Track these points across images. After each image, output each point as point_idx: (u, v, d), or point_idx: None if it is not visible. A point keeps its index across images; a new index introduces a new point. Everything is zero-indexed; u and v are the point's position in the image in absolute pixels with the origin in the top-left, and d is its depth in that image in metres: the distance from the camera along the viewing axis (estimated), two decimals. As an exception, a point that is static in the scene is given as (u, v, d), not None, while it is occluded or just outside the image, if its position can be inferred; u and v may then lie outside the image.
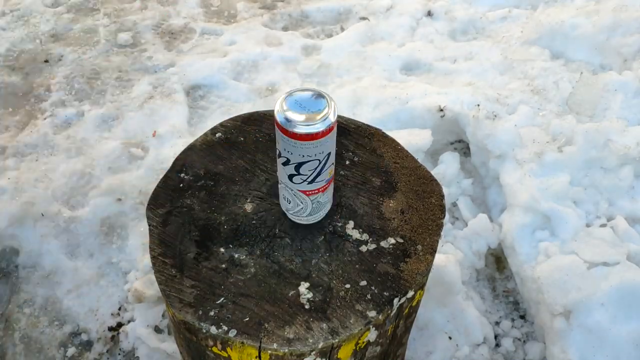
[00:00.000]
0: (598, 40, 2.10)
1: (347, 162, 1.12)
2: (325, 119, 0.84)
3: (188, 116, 2.02)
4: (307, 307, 0.89)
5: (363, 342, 0.93)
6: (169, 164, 1.11)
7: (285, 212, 0.99)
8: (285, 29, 2.48)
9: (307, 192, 0.92)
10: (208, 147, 1.14)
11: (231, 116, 1.21)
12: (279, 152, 0.89)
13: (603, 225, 1.59)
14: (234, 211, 1.02)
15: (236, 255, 0.96)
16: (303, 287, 0.92)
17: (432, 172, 1.27)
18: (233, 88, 2.12)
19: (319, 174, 0.90)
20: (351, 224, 1.01)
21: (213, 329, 0.86)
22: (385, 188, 1.07)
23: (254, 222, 1.01)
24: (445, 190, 1.51)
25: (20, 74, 2.23)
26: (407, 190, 1.07)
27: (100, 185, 1.77)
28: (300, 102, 0.86)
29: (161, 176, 1.08)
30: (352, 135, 1.17)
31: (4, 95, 2.14)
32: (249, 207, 1.03)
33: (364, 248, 0.98)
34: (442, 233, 1.03)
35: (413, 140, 1.80)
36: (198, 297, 0.90)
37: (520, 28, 2.29)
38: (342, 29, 2.45)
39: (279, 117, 0.86)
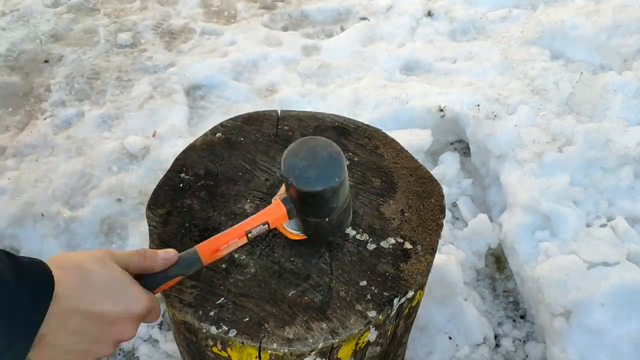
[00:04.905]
0: (598, 40, 2.10)
1: (347, 162, 1.11)
2: None
3: (188, 116, 2.02)
4: None
5: (363, 342, 0.93)
6: (169, 164, 1.11)
7: None
8: (285, 29, 2.48)
9: None
10: (208, 147, 1.14)
11: (231, 116, 1.21)
12: None
13: (603, 225, 1.59)
14: (234, 211, 1.02)
15: (236, 255, 0.96)
16: None
17: (432, 172, 1.27)
18: (233, 88, 2.12)
19: None
20: (351, 224, 1.01)
21: (213, 329, 0.86)
22: (385, 188, 1.07)
23: (254, 222, 1.00)
24: (445, 190, 1.51)
25: (20, 74, 2.23)
26: (407, 190, 1.07)
27: (100, 185, 1.77)
28: None
29: (161, 176, 1.08)
30: (352, 135, 1.17)
31: (4, 95, 2.14)
32: (249, 207, 1.03)
33: (364, 248, 0.98)
34: (442, 233, 1.03)
35: (413, 140, 1.80)
36: (198, 297, 0.90)
37: (520, 28, 2.29)
38: (342, 29, 2.45)
39: None
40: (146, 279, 0.76)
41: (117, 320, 0.71)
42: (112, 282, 0.71)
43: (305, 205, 0.87)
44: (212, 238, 0.84)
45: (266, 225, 0.87)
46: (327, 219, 0.89)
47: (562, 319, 1.39)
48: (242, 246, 0.88)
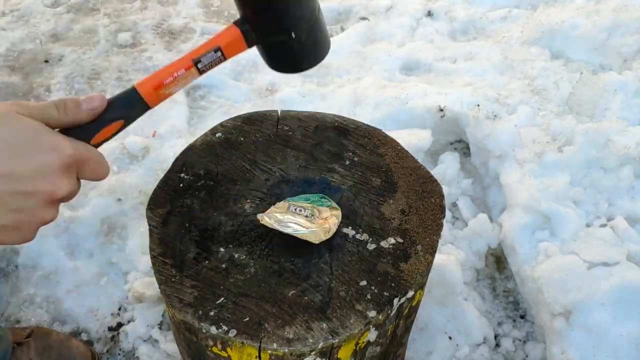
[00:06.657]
0: (598, 40, 2.10)
1: (347, 162, 1.11)
2: None
3: (188, 116, 2.02)
4: None
5: (363, 342, 0.93)
6: (169, 164, 1.12)
7: None
8: (285, 29, 2.48)
9: None
10: (208, 147, 1.14)
11: (231, 116, 1.21)
12: None
13: (603, 225, 1.59)
14: (234, 211, 1.02)
15: (236, 255, 0.96)
16: None
17: (432, 172, 1.27)
18: (233, 88, 2.12)
19: None
20: (351, 223, 1.01)
21: (213, 329, 0.86)
22: (385, 188, 1.07)
23: (254, 222, 1.01)
24: (445, 190, 1.51)
25: (20, 74, 2.23)
26: (407, 190, 1.07)
27: (100, 185, 1.77)
28: None
29: (161, 176, 1.08)
30: (352, 135, 1.17)
31: (4, 95, 2.14)
32: (249, 207, 1.03)
33: (363, 248, 0.98)
34: (442, 233, 1.03)
35: (413, 140, 1.80)
36: (198, 297, 0.90)
37: (520, 28, 2.29)
38: (342, 29, 2.45)
39: None
40: (76, 130, 0.68)
41: (35, 176, 0.62)
42: (20, 135, 0.61)
43: (263, 21, 0.74)
44: (153, 72, 0.73)
45: (218, 53, 0.74)
46: (293, 34, 0.75)
47: (562, 319, 1.39)
48: (192, 79, 0.74)
